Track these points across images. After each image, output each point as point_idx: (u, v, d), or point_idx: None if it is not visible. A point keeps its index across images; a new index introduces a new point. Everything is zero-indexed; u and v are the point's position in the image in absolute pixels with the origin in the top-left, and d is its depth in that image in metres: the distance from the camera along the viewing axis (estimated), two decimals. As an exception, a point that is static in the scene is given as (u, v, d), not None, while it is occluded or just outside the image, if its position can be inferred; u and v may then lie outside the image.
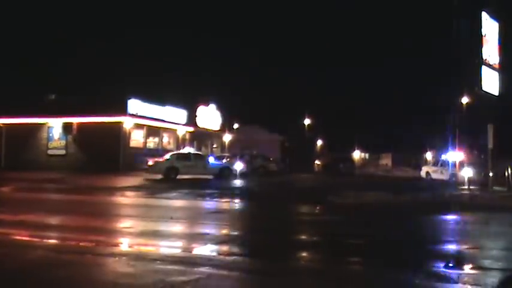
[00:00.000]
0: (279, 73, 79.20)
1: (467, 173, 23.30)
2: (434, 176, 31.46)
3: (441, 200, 16.63)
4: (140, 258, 7.19)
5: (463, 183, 22.81)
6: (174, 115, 36.96)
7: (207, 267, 6.66)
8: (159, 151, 33.06)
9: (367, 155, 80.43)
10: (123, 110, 31.62)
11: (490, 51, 18.96)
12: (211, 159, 28.68)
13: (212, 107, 42.70)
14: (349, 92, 77.23)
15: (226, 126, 45.16)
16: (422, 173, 34.14)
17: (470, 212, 14.50)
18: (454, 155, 31.59)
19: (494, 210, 14.74)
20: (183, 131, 38.73)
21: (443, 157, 34.44)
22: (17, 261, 7.07)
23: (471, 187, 21.52)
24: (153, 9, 61.08)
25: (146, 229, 10.29)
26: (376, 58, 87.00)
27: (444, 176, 29.49)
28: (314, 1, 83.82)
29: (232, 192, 19.53)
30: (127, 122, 32.09)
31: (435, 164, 33.96)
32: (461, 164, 26.09)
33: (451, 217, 13.88)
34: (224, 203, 16.41)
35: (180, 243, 8.74)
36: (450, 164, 29.94)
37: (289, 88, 71.63)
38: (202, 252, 7.90)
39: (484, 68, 18.29)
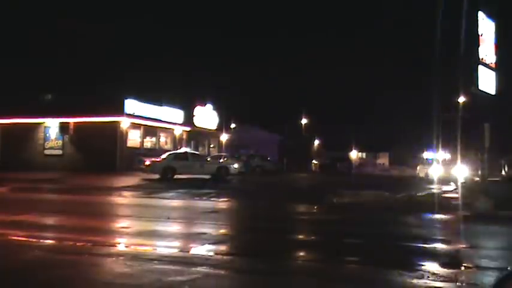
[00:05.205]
0: (277, 73, 79.20)
1: (436, 171, 24.50)
2: (421, 174, 33.70)
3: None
4: (137, 258, 7.19)
5: (445, 182, 23.49)
6: (171, 115, 36.93)
7: (204, 267, 6.66)
8: (156, 151, 33.03)
9: (364, 155, 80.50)
10: (120, 110, 31.57)
11: (487, 50, 18.98)
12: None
13: (209, 106, 42.66)
14: (347, 92, 77.21)
15: (223, 126, 45.16)
16: (417, 172, 36.55)
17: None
18: (434, 154, 33.07)
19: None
20: (180, 130, 38.70)
21: (423, 156, 36.47)
22: (13, 262, 7.05)
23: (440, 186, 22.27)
24: (151, 8, 60.98)
25: (143, 229, 10.29)
26: (375, 58, 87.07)
27: (425, 175, 31.39)
28: (314, 1, 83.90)
29: (229, 192, 19.50)
30: (124, 122, 32.05)
31: (423, 163, 36.36)
32: (448, 163, 27.15)
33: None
34: (221, 203, 16.40)
35: (177, 243, 8.74)
36: (434, 163, 31.47)
37: (287, 88, 71.67)
38: (200, 252, 7.89)
39: (480, 67, 18.30)
